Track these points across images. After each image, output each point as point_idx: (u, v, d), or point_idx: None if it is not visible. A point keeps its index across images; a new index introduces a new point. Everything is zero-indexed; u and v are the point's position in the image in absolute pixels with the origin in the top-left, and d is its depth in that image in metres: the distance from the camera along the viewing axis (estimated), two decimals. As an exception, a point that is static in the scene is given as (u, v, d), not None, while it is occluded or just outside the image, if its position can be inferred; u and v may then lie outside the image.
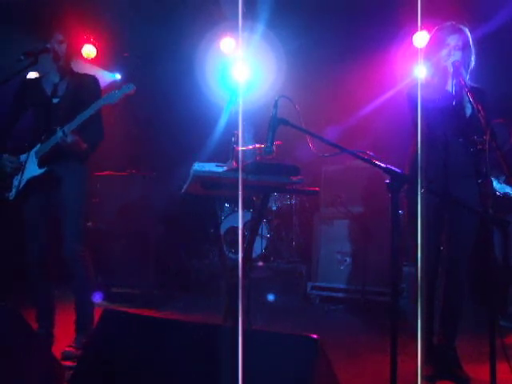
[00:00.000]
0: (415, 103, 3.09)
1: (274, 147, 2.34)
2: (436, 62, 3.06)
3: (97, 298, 3.46)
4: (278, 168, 2.67)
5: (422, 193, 2.12)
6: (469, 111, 2.92)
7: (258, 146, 2.85)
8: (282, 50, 5.87)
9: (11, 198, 3.28)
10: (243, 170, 2.44)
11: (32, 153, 3.28)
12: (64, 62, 3.36)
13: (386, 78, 5.75)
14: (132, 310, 4.02)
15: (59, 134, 3.13)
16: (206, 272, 5.81)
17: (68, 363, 2.93)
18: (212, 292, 5.31)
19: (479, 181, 2.94)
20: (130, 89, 3.12)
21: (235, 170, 2.64)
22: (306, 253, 5.84)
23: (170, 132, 6.74)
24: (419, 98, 3.04)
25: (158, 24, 5.99)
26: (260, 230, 5.54)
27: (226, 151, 3.47)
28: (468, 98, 2.83)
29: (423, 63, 3.19)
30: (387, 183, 2.02)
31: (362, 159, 2.15)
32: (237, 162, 2.76)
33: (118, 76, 6.95)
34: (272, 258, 5.96)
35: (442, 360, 3.02)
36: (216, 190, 2.76)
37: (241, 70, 6.38)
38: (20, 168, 3.28)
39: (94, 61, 6.29)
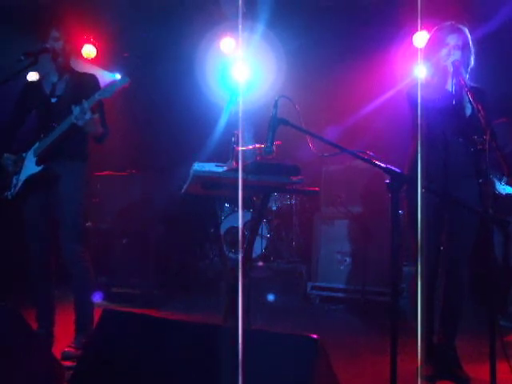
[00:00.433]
0: (415, 103, 3.09)
1: (274, 147, 2.34)
2: (436, 61, 3.05)
3: (97, 297, 3.46)
4: (278, 168, 2.67)
5: (421, 193, 2.12)
6: (469, 111, 2.92)
7: (258, 145, 2.84)
8: (281, 50, 5.86)
9: (10, 198, 3.28)
10: (243, 170, 2.44)
11: (30, 151, 3.28)
12: (62, 59, 3.34)
13: (386, 78, 5.74)
14: (132, 310, 4.02)
15: (76, 110, 3.03)
16: (206, 272, 5.82)
17: (68, 363, 2.93)
18: (212, 292, 5.31)
19: (480, 181, 2.94)
20: (125, 82, 3.10)
21: (235, 170, 2.64)
22: (306, 253, 5.84)
23: (170, 132, 6.74)
24: (419, 98, 3.04)
25: (158, 24, 6.00)
26: (260, 229, 5.54)
27: (226, 151, 3.47)
28: (468, 97, 2.83)
29: (423, 63, 3.18)
30: (387, 183, 2.02)
31: (362, 159, 2.15)
32: (237, 162, 2.76)
33: (117, 76, 6.92)
34: (272, 258, 5.96)
35: (442, 360, 3.02)
36: (216, 190, 2.76)
37: (241, 70, 6.38)
38: (20, 166, 3.28)
39: (93, 61, 6.29)
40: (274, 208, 6.30)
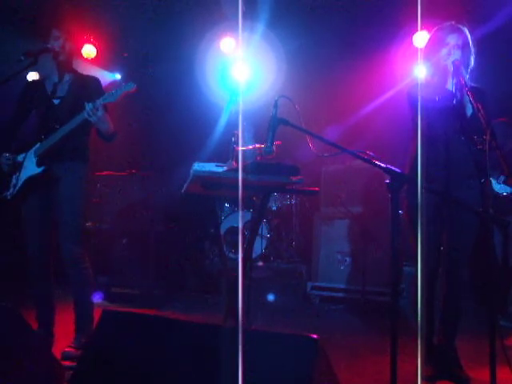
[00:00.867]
0: (415, 103, 3.09)
1: (274, 147, 2.34)
2: (436, 61, 3.05)
3: (97, 297, 3.46)
4: (278, 168, 2.67)
5: (421, 192, 2.12)
6: (470, 111, 2.92)
7: (258, 145, 2.84)
8: (281, 50, 5.86)
9: (9, 198, 3.28)
10: (243, 170, 2.44)
11: (31, 152, 3.27)
12: (63, 59, 3.33)
13: (386, 78, 5.74)
14: (132, 310, 4.02)
15: (89, 106, 3.05)
16: (206, 272, 5.82)
17: (68, 363, 2.93)
18: (212, 292, 5.32)
19: (482, 180, 2.95)
20: (131, 87, 3.11)
21: (235, 170, 2.64)
22: (306, 253, 5.85)
23: (169, 132, 6.74)
24: (419, 98, 3.04)
25: (158, 24, 6.00)
26: (260, 229, 5.54)
27: (226, 151, 3.47)
28: (468, 97, 2.83)
29: (423, 63, 3.18)
30: (387, 183, 2.02)
31: (362, 159, 2.15)
32: (237, 162, 2.76)
33: (118, 76, 6.95)
34: (272, 258, 5.96)
35: (442, 360, 3.02)
36: (216, 190, 2.76)
37: (241, 70, 6.38)
38: (17, 167, 3.28)
39: (94, 61, 6.29)
40: (274, 208, 6.30)
